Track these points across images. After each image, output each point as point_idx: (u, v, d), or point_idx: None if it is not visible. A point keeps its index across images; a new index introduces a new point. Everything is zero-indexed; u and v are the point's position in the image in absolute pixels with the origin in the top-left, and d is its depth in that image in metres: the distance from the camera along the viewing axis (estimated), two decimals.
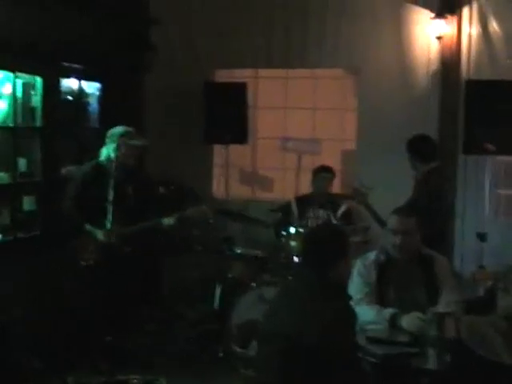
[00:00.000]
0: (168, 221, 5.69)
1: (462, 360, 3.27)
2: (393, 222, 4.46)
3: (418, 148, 6.13)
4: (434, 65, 7.53)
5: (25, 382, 5.39)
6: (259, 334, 3.72)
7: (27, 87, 6.02)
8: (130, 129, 5.70)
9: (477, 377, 3.10)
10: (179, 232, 6.39)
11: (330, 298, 3.51)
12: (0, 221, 5.78)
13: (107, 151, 5.62)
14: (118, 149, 5.57)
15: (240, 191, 8.54)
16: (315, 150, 8.18)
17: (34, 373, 5.46)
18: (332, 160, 8.16)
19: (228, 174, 8.02)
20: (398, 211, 4.54)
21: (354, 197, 6.45)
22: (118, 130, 5.65)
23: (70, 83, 6.56)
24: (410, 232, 4.38)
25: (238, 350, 4.12)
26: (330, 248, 3.63)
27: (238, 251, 6.58)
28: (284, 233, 6.48)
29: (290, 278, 6.03)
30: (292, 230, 6.43)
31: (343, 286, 3.71)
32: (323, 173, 6.97)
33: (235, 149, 8.06)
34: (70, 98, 6.56)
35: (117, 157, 5.55)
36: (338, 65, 8.11)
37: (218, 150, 8.28)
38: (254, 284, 6.21)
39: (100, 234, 5.47)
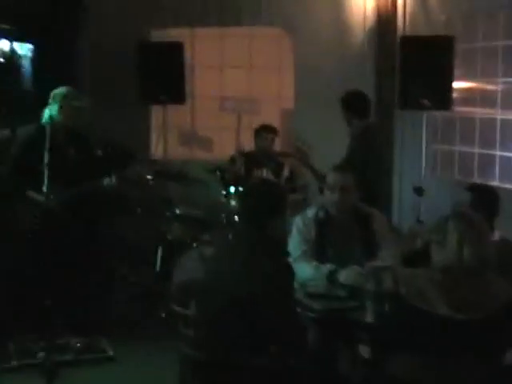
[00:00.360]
0: (108, 181, 5.64)
1: (399, 312, 3.32)
2: (330, 178, 4.48)
3: (352, 104, 6.15)
4: (370, 21, 7.56)
5: None
6: (198, 292, 3.73)
7: None
8: (72, 90, 5.60)
9: (413, 328, 3.15)
10: (118, 193, 6.35)
11: (268, 253, 3.53)
12: None
13: (49, 112, 5.52)
14: (60, 110, 5.48)
15: (179, 152, 8.49)
16: (254, 109, 8.16)
17: None
18: (271, 119, 8.15)
19: (166, 134, 7.95)
20: (335, 168, 4.58)
21: (294, 155, 6.47)
22: (61, 90, 5.57)
23: (1, 45, 6.40)
24: (346, 188, 4.41)
25: (178, 309, 4.11)
26: (265, 203, 3.64)
27: (178, 212, 6.56)
28: (224, 192, 6.48)
29: (229, 236, 6.09)
30: (232, 189, 6.44)
31: (281, 243, 3.73)
32: (265, 132, 6.95)
33: (173, 109, 7.99)
34: (1, 60, 6.41)
35: (59, 118, 5.47)
36: (274, 23, 8.07)
37: (156, 110, 8.20)
38: (194, 244, 6.22)
39: (40, 198, 5.38)
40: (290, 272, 3.56)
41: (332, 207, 4.45)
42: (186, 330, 3.56)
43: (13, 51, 6.56)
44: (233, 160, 6.99)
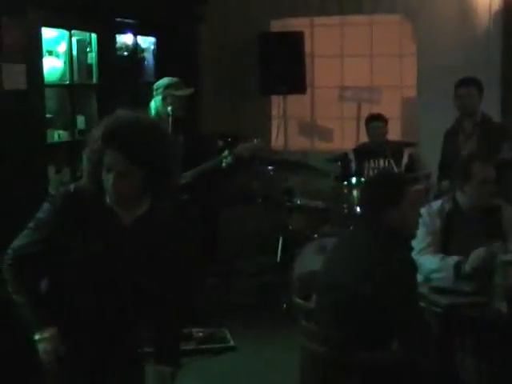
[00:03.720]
0: (225, 159, 5.64)
1: None
2: (482, 170, 4.27)
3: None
4: (496, 4, 7.28)
5: None
6: (319, 285, 3.68)
7: (82, 45, 6.01)
8: (174, 79, 5.62)
9: None
10: (239, 182, 6.35)
11: (389, 246, 3.45)
12: (60, 178, 5.81)
13: (155, 104, 5.58)
14: (164, 100, 5.53)
15: (298, 142, 8.46)
16: (374, 98, 8.04)
17: None
18: (392, 108, 8.03)
19: (286, 125, 7.94)
20: (479, 158, 4.38)
21: (415, 143, 6.33)
22: (163, 81, 5.59)
23: (124, 39, 6.53)
24: (489, 180, 4.25)
25: (299, 301, 4.07)
26: (381, 193, 3.56)
27: (299, 202, 6.54)
28: (345, 183, 6.41)
29: (351, 228, 6.02)
30: (353, 179, 6.37)
31: (404, 236, 3.63)
32: (374, 121, 6.80)
33: (293, 99, 7.97)
34: (125, 53, 6.54)
35: (164, 109, 5.51)
36: (394, 10, 7.90)
37: (275, 101, 8.20)
38: (315, 235, 6.18)
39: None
40: (413, 266, 3.46)
41: (471, 200, 4.29)
42: (307, 323, 3.51)
43: (136, 45, 6.67)
44: (345, 155, 6.91)
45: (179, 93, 5.57)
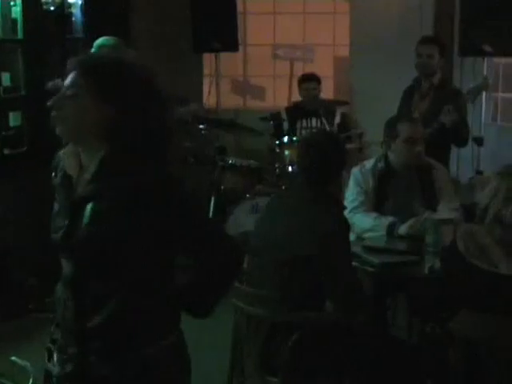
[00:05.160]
0: None
1: (454, 268, 3.18)
2: (401, 128, 4.26)
3: None
4: None
5: (24, 299, 5.40)
6: (252, 246, 3.64)
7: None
8: (114, 40, 5.42)
9: (472, 286, 3.01)
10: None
11: (328, 209, 3.43)
12: None
13: None
14: None
15: (231, 101, 8.39)
16: (308, 57, 8.01)
17: (32, 291, 5.44)
18: (325, 66, 8.00)
19: (218, 83, 7.83)
20: (405, 119, 4.39)
21: (347, 102, 6.28)
22: (102, 41, 5.37)
23: None
24: (417, 139, 4.24)
25: None
26: (334, 159, 3.53)
27: (231, 162, 6.47)
28: (277, 142, 6.38)
29: (283, 187, 6.00)
30: (285, 139, 6.33)
31: (338, 197, 3.63)
32: (307, 82, 6.75)
33: (225, 57, 7.86)
34: (51, 8, 6.31)
35: None
36: None
37: (207, 59, 8.08)
38: (248, 195, 6.14)
39: None
40: (347, 227, 3.46)
41: (399, 159, 4.29)
42: (239, 284, 3.47)
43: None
44: (278, 114, 6.85)
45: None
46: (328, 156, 3.52)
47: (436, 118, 5.29)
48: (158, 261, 2.20)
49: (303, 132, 6.64)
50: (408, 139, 4.21)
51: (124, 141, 2.16)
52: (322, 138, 3.72)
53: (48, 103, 2.17)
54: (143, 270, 2.17)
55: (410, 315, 4.22)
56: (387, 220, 4.10)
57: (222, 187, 6.42)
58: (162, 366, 2.19)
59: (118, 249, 2.13)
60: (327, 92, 7.58)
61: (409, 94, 5.84)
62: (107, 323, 2.15)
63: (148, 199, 2.12)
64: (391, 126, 4.32)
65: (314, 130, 6.46)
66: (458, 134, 5.49)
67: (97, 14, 6.58)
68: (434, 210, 4.19)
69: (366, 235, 4.07)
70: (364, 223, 4.10)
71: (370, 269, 3.75)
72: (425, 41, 5.72)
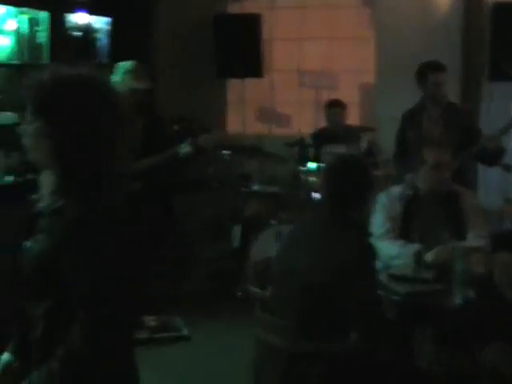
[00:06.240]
0: (184, 148, 5.39)
1: (488, 300, 3.09)
2: (427, 153, 4.20)
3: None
4: None
5: None
6: (274, 273, 3.56)
7: (32, 23, 5.79)
8: (135, 66, 5.35)
9: (503, 320, 2.91)
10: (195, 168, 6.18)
11: (353, 236, 3.35)
12: (9, 163, 5.61)
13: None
14: (119, 86, 5.25)
15: (256, 127, 8.33)
16: (332, 84, 7.95)
17: None
18: (350, 93, 7.93)
19: (244, 109, 7.80)
20: (431, 143, 4.31)
21: (373, 129, 6.20)
22: (124, 65, 5.31)
23: (77, 19, 6.32)
24: (443, 165, 4.17)
25: (255, 290, 3.96)
26: (361, 185, 3.45)
27: (255, 188, 6.43)
28: (302, 168, 6.32)
29: (307, 214, 5.92)
30: (310, 165, 6.27)
31: (364, 223, 3.54)
32: (333, 107, 6.76)
33: (250, 83, 7.82)
34: (77, 33, 6.33)
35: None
36: None
37: (232, 85, 8.05)
38: (272, 222, 6.08)
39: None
40: (373, 254, 3.37)
41: (425, 184, 4.20)
42: (262, 313, 3.39)
43: (89, 25, 6.46)
44: (303, 139, 6.79)
45: (135, 85, 5.27)
46: (355, 182, 3.45)
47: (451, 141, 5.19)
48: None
49: (328, 158, 6.56)
50: (435, 165, 4.14)
51: (68, 164, 2.14)
52: (349, 163, 3.64)
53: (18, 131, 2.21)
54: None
55: (437, 346, 4.10)
56: (413, 247, 4.00)
57: (246, 214, 6.37)
58: None
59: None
60: (353, 118, 7.51)
61: (411, 119, 5.76)
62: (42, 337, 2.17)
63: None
64: (416, 152, 4.26)
65: (340, 156, 6.38)
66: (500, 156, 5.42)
67: (121, 40, 6.60)
68: (462, 238, 4.08)
69: (393, 263, 3.97)
70: (390, 250, 4.01)
71: (396, 298, 3.66)
72: (441, 68, 5.64)
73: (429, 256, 3.93)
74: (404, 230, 4.18)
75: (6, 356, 2.42)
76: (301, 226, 3.79)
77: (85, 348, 2.04)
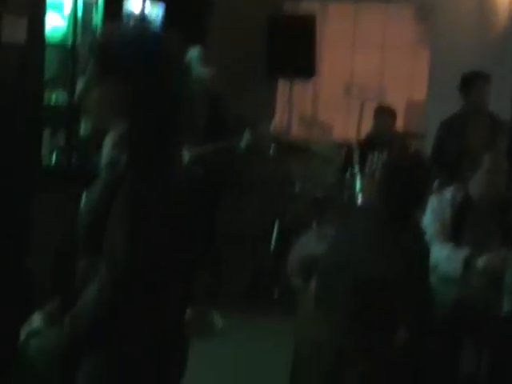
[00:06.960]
0: (246, 140, 5.10)
1: None
2: (492, 159, 4.11)
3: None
4: None
5: None
6: (322, 266, 3.49)
7: (88, 7, 5.79)
8: (197, 56, 5.32)
9: None
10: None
11: (415, 233, 3.30)
12: (55, 142, 5.60)
13: None
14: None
15: (300, 133, 8.26)
16: (380, 98, 7.86)
17: None
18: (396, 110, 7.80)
19: (291, 112, 7.73)
20: (487, 149, 4.27)
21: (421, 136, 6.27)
22: (191, 52, 5.27)
23: (133, 7, 6.32)
24: (499, 170, 4.10)
25: (297, 282, 3.89)
26: (423, 185, 3.42)
27: (298, 190, 6.37)
28: (347, 172, 6.24)
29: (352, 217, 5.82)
30: (356, 169, 6.19)
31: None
32: (382, 114, 6.69)
33: (298, 89, 7.75)
34: (131, 21, 6.33)
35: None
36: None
37: (282, 87, 7.99)
38: (314, 224, 6.01)
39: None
40: (428, 251, 3.31)
41: (479, 190, 4.11)
42: (305, 307, 3.32)
43: (143, 11, 6.47)
44: (349, 144, 6.71)
45: (195, 74, 5.20)
46: (418, 181, 3.38)
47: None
48: None
49: (373, 164, 6.48)
50: (492, 170, 4.04)
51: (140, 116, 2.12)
52: (413, 162, 3.57)
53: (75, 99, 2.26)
54: None
55: (482, 353, 3.99)
56: (464, 252, 3.91)
57: (288, 215, 6.31)
58: None
59: None
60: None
61: (451, 127, 5.68)
62: None
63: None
64: (472, 156, 4.19)
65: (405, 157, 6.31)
66: None
67: (175, 28, 6.57)
68: None
69: (441, 265, 3.87)
70: (440, 252, 3.91)
71: (444, 302, 3.57)
72: (487, 77, 5.65)
73: (480, 262, 3.84)
74: (453, 234, 4.09)
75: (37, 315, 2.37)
76: (354, 223, 3.69)
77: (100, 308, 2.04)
